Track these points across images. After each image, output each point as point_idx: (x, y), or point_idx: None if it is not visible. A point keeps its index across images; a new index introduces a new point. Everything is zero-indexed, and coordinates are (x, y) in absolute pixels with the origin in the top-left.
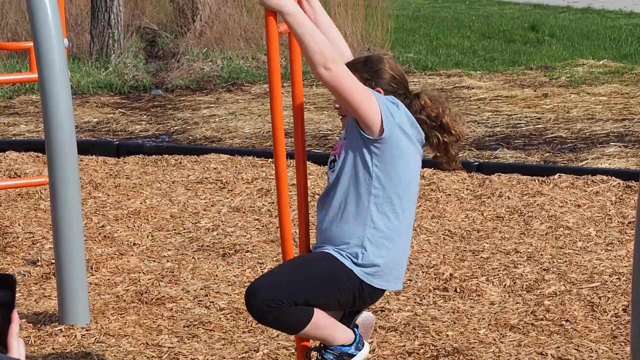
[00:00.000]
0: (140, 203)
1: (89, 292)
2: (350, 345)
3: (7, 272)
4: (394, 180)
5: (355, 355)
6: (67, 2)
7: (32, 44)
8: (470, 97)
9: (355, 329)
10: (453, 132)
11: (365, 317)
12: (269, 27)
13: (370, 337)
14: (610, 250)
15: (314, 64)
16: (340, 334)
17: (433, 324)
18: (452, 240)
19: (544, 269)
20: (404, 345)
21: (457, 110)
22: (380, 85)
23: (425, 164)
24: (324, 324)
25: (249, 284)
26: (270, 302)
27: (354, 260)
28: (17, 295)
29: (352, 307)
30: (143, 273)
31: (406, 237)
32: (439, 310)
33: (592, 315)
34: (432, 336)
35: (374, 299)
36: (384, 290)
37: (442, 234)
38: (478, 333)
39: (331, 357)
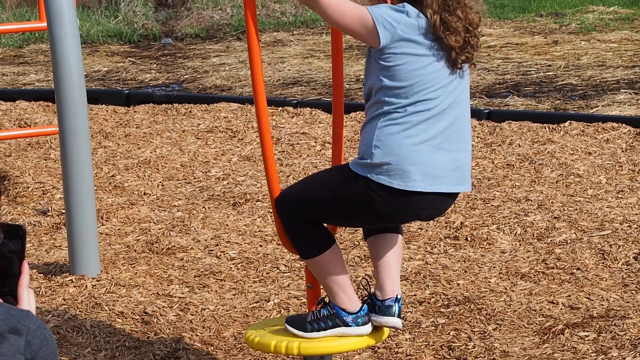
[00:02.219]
0: (151, 152)
1: (99, 242)
2: (350, 313)
3: (17, 223)
4: (404, 85)
5: (350, 326)
6: None
7: None
8: (480, 45)
9: (365, 306)
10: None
11: (386, 321)
12: None
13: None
14: (621, 197)
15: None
16: (345, 296)
17: (444, 273)
18: None
19: (555, 217)
20: (415, 295)
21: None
22: None
23: None
24: (333, 272)
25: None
26: (290, 214)
27: (366, 162)
28: (28, 245)
29: (386, 220)
30: (153, 223)
31: (431, 131)
32: (449, 259)
33: (603, 263)
34: (443, 285)
35: (414, 206)
36: (430, 195)
37: None
38: (489, 282)
39: (325, 313)
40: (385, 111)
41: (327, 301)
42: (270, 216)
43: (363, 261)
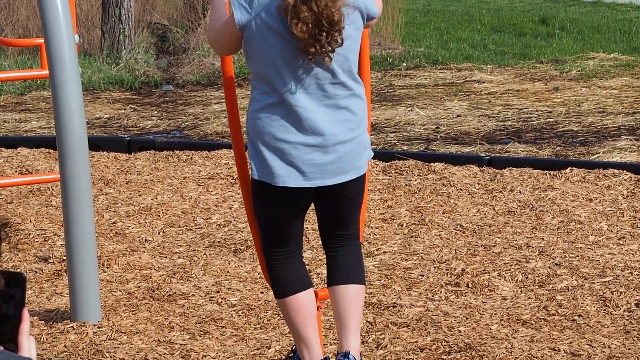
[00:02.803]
0: (152, 199)
1: (100, 289)
2: None
3: (17, 270)
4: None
5: None
6: None
7: (43, 40)
8: (481, 91)
9: None
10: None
11: None
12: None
13: (381, 333)
14: (622, 244)
15: None
16: (304, 347)
17: (445, 320)
18: (464, 235)
19: (556, 264)
20: (416, 341)
21: None
22: None
23: (437, 158)
24: (294, 321)
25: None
26: (265, 254)
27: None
28: (29, 292)
29: (290, 213)
30: (155, 269)
31: (279, 125)
32: (451, 306)
33: (605, 310)
34: (444, 332)
35: (280, 197)
36: (282, 188)
37: (454, 229)
38: (490, 328)
39: None
40: (252, 97)
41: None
42: None
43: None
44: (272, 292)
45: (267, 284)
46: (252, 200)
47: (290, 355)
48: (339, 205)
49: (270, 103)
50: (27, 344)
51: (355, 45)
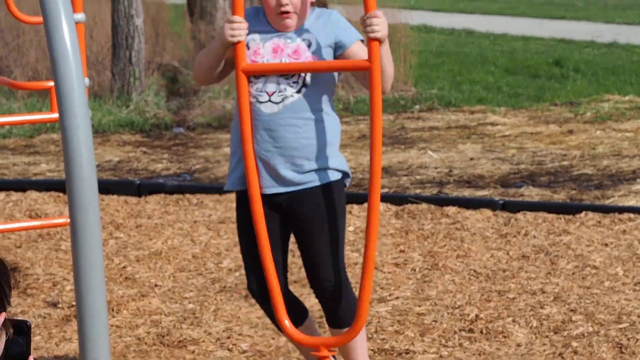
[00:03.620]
0: (162, 243)
1: (110, 335)
2: None
3: (23, 319)
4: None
5: None
6: (88, 40)
7: (52, 83)
8: (494, 134)
9: None
10: None
11: None
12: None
13: None
14: (639, 290)
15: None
16: None
17: None
18: (478, 280)
19: (571, 310)
20: None
21: None
22: None
23: (450, 202)
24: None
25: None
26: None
27: None
28: (37, 338)
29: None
30: (165, 315)
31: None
32: (464, 352)
33: (621, 357)
34: None
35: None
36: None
37: (468, 274)
38: None
39: None
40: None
41: None
42: None
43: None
44: (283, 339)
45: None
46: (344, 206)
47: None
48: None
49: None
50: None
51: None
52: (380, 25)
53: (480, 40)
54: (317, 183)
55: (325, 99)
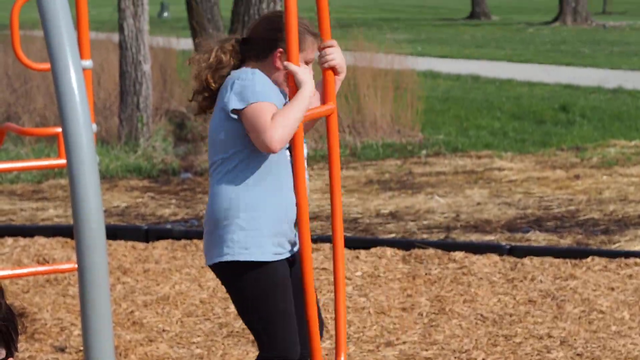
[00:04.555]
0: (170, 288)
1: None
2: None
3: None
4: None
5: None
6: (96, 86)
7: (60, 129)
8: (501, 179)
9: None
10: None
11: None
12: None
13: None
14: None
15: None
16: None
17: None
18: (484, 324)
19: (578, 354)
20: None
21: None
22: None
23: (457, 247)
24: None
25: None
26: None
27: None
28: None
29: None
30: None
31: None
32: None
33: None
34: None
35: None
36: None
37: (474, 319)
38: None
39: None
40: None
41: None
42: None
43: None
44: None
45: None
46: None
47: None
48: None
49: None
50: None
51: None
52: (334, 54)
53: (486, 85)
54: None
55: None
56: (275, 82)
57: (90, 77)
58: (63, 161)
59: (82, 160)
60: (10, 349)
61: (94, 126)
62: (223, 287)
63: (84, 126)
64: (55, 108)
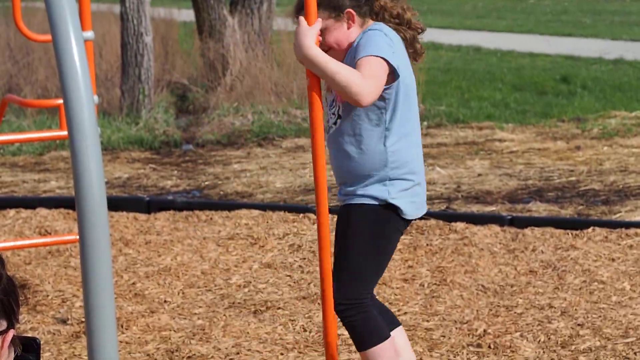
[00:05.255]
0: (171, 260)
1: (119, 351)
2: None
3: (32, 335)
4: (405, 108)
5: None
6: (98, 58)
7: (61, 101)
8: (502, 150)
9: None
10: (415, 26)
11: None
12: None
13: None
14: None
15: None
16: None
17: None
18: (486, 295)
19: (579, 324)
20: None
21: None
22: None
23: (458, 218)
24: None
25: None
26: (360, 300)
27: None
28: (47, 354)
29: None
30: (174, 331)
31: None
32: None
33: None
34: None
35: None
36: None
37: (475, 289)
38: None
39: None
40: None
41: None
42: (292, 324)
43: None
44: (292, 354)
45: (287, 345)
46: (369, 233)
47: None
48: None
49: (405, 134)
50: None
51: None
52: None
53: (488, 57)
54: (346, 202)
55: (357, 131)
56: None
57: (91, 48)
58: (64, 132)
59: (83, 131)
60: (12, 321)
61: (96, 98)
62: (225, 258)
63: (85, 97)
64: (57, 80)
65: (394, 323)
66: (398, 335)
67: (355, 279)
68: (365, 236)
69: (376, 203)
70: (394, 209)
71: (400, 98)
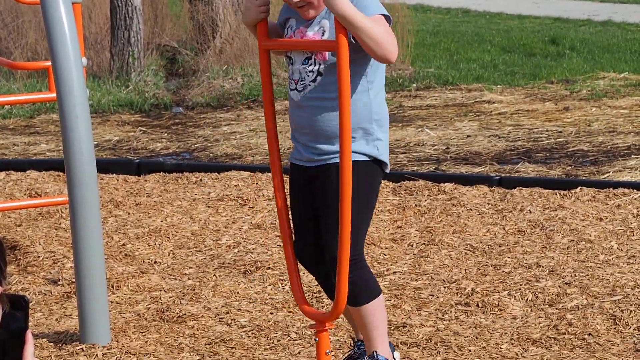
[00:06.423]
0: (161, 221)
1: (110, 311)
2: None
3: (21, 294)
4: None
5: None
6: (87, 21)
7: (50, 63)
8: (491, 112)
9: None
10: None
11: None
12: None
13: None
14: (632, 263)
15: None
16: (387, 344)
17: (455, 339)
18: (474, 255)
19: (566, 283)
20: None
21: None
22: None
23: (447, 178)
24: (383, 318)
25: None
26: (360, 255)
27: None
28: (39, 315)
29: None
30: (164, 291)
31: None
32: (461, 326)
33: (615, 328)
34: (454, 351)
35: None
36: None
37: (464, 249)
38: (500, 348)
39: None
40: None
41: (375, 355)
42: (282, 284)
43: None
44: (282, 313)
45: (277, 304)
46: (362, 189)
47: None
48: None
49: (382, 87)
50: None
51: None
52: None
53: (477, 19)
54: (328, 162)
55: (360, 79)
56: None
57: (80, 11)
58: (53, 95)
59: (71, 93)
60: None
61: (84, 60)
62: (214, 219)
63: (73, 59)
64: (46, 43)
65: None
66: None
67: (353, 236)
68: (359, 193)
69: (367, 159)
70: (380, 164)
71: None
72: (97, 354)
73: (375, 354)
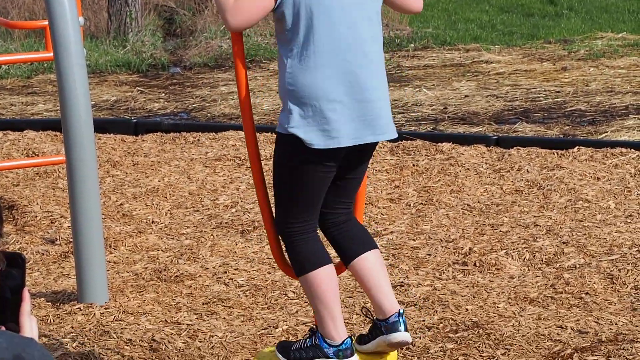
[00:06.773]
0: (159, 181)
1: (107, 271)
2: (332, 346)
3: (17, 252)
4: (310, 29)
5: (331, 359)
6: None
7: (47, 22)
8: (489, 72)
9: (349, 339)
10: None
11: (395, 338)
12: None
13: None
14: (630, 222)
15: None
16: (332, 324)
17: (452, 299)
18: (471, 214)
19: (563, 242)
20: (424, 320)
21: None
22: None
23: (444, 138)
24: (324, 295)
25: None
26: (283, 228)
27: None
28: (36, 274)
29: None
30: (162, 251)
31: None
32: (458, 285)
33: (612, 287)
34: (451, 310)
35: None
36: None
37: (461, 209)
38: (497, 307)
39: (309, 343)
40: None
41: (315, 329)
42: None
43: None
44: (279, 272)
45: (275, 264)
46: (282, 161)
47: (307, 336)
48: (362, 168)
49: (309, 55)
50: (29, 324)
51: None
52: None
53: None
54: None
55: (281, 48)
56: None
57: None
58: (50, 54)
59: (68, 52)
60: None
61: (81, 19)
62: (212, 179)
63: (70, 19)
64: (43, 3)
65: (367, 247)
66: (369, 258)
67: (278, 206)
68: (278, 165)
69: (282, 131)
70: (298, 138)
71: (301, 17)
72: (94, 313)
73: (314, 329)
